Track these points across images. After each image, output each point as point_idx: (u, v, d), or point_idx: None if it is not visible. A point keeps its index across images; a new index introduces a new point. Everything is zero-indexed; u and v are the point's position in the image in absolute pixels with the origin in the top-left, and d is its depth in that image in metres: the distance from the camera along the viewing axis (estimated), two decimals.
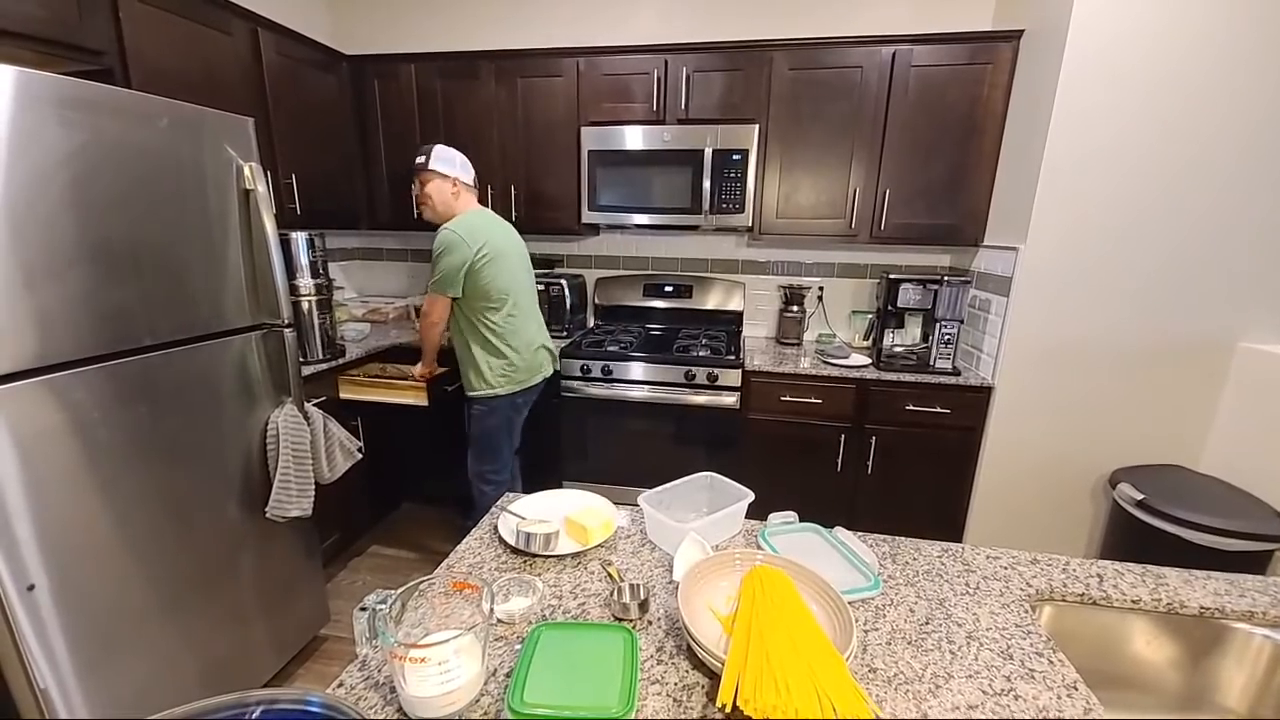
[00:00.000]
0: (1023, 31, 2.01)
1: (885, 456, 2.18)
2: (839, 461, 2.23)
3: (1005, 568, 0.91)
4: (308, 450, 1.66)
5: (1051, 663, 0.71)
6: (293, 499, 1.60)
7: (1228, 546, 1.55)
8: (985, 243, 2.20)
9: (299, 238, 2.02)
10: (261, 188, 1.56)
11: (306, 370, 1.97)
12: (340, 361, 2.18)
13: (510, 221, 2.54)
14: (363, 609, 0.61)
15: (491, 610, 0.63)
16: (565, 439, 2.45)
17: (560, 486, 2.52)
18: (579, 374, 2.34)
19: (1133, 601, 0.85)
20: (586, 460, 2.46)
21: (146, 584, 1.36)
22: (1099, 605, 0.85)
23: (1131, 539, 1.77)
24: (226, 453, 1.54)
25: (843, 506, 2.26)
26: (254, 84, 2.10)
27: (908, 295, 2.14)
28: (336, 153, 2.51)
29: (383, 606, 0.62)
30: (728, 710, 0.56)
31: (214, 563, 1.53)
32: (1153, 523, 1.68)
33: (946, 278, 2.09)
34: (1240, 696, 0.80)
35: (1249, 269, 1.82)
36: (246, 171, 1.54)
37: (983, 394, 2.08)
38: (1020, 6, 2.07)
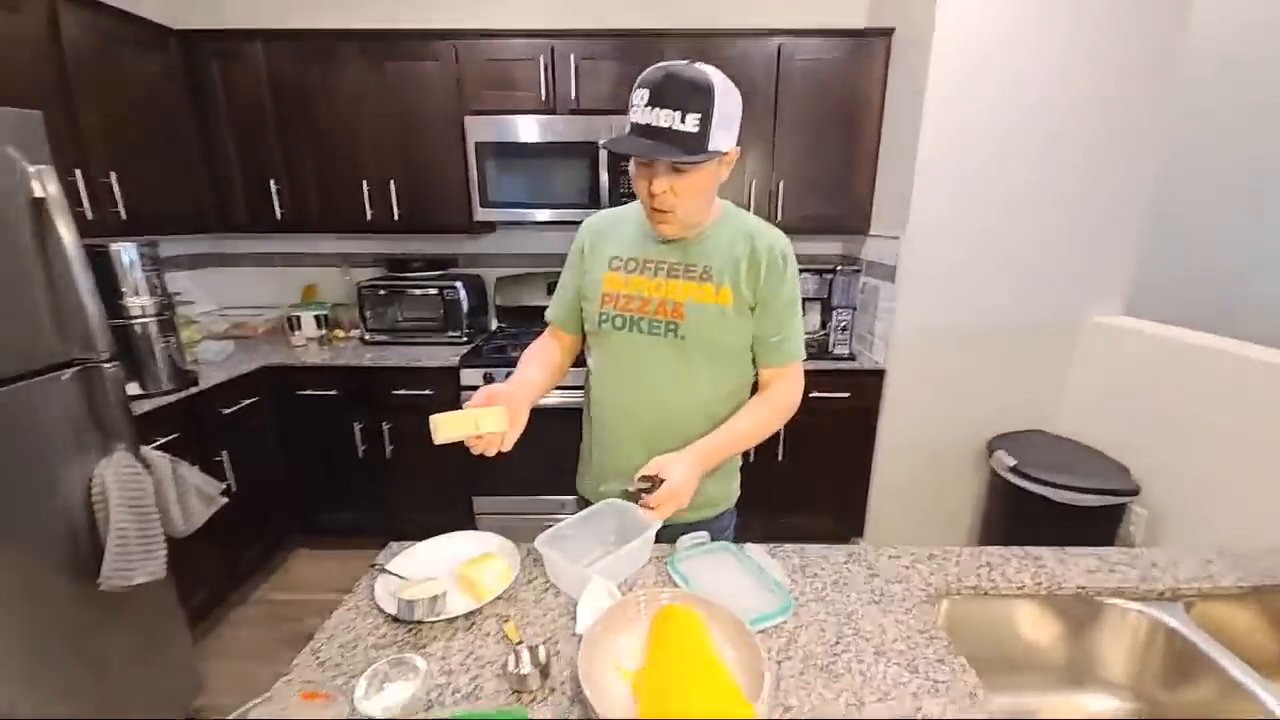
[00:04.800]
0: (893, 30, 2.10)
1: (794, 443, 2.24)
2: (752, 452, 2.25)
3: (906, 567, 0.93)
4: (150, 502, 1.41)
5: (953, 669, 0.72)
6: (134, 562, 1.35)
7: (1089, 503, 1.73)
8: (871, 232, 2.29)
9: (123, 248, 1.70)
10: (55, 192, 1.28)
11: (147, 405, 1.69)
12: (194, 390, 1.88)
13: (391, 222, 2.34)
14: None
15: None
16: (471, 454, 2.30)
17: (469, 504, 2.38)
18: (481, 382, 2.19)
19: (1018, 587, 0.89)
20: (496, 474, 2.30)
21: None
22: (990, 595, 0.88)
23: (1008, 502, 1.94)
24: (44, 520, 1.28)
25: (759, 497, 2.29)
26: (52, 69, 1.73)
27: (805, 285, 2.17)
28: (170, 146, 2.15)
29: None
30: None
31: (58, 642, 1.30)
32: (1026, 486, 1.84)
33: (839, 267, 2.16)
34: (1123, 670, 0.86)
35: (1096, 250, 2.03)
36: (31, 174, 1.26)
37: (876, 376, 2.19)
38: (889, 6, 2.15)
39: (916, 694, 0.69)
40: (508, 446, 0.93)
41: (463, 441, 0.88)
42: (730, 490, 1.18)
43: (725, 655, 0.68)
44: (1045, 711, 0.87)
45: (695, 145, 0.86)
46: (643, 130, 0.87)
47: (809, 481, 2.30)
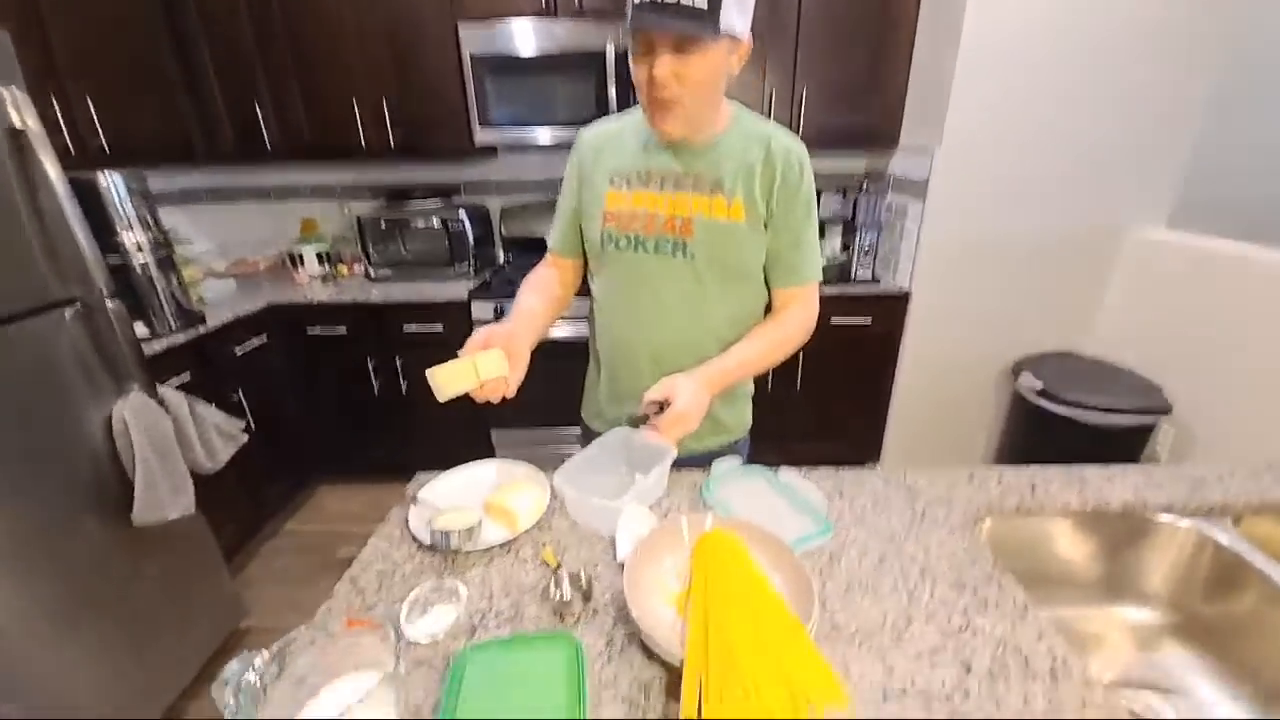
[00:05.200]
0: None
1: (812, 371, 2.20)
2: (769, 380, 2.23)
3: (947, 489, 0.90)
4: (172, 441, 1.41)
5: (1001, 587, 0.71)
6: (164, 499, 1.37)
7: (1117, 423, 1.71)
8: (902, 144, 2.14)
9: (111, 180, 1.61)
10: (32, 120, 1.18)
11: (157, 346, 1.65)
12: (203, 330, 1.84)
13: (386, 148, 2.21)
14: (225, 683, 0.48)
15: (399, 659, 0.51)
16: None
17: (488, 436, 2.39)
18: (492, 317, 2.14)
19: (1063, 506, 0.87)
20: (511, 407, 2.32)
21: (25, 608, 1.18)
22: (1033, 514, 0.86)
23: (1032, 425, 1.92)
24: (72, 455, 1.28)
25: (774, 426, 2.28)
26: None
27: (828, 206, 2.08)
28: (148, 70, 2.00)
29: (251, 675, 0.48)
30: None
31: (95, 578, 1.33)
32: (1051, 409, 1.81)
33: (865, 184, 2.04)
34: (1163, 583, 0.85)
35: (1143, 161, 1.89)
36: (7, 99, 1.16)
37: (901, 300, 2.11)
38: None
39: (965, 611, 0.67)
40: (511, 392, 0.86)
41: (468, 394, 0.82)
42: (744, 418, 1.15)
43: (771, 579, 0.67)
44: (1082, 624, 0.87)
45: (704, 20, 0.75)
46: (647, 7, 0.76)
47: (826, 408, 2.29)
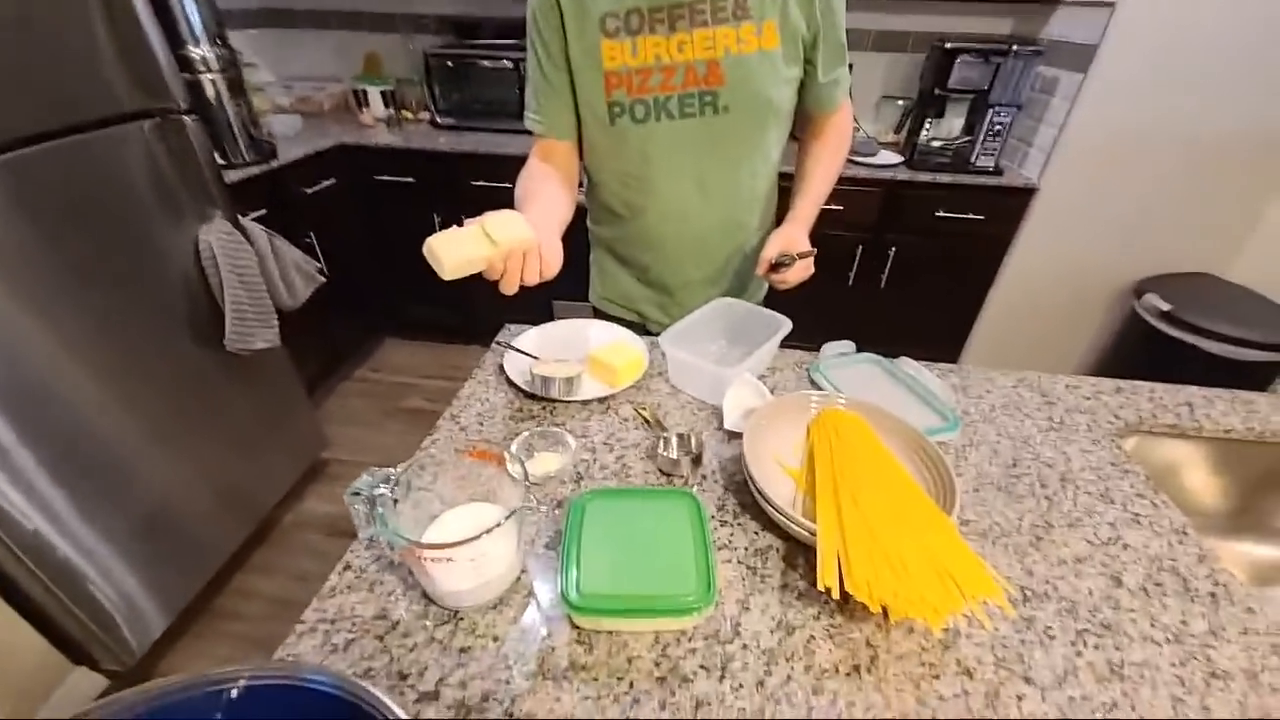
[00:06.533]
0: None
1: (903, 268, 2.03)
2: (851, 275, 2.07)
3: (1088, 398, 0.81)
4: (257, 274, 1.41)
5: (1155, 505, 0.64)
6: (253, 329, 1.40)
7: (1247, 357, 1.52)
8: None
9: None
10: None
11: (232, 175, 1.61)
12: (274, 164, 1.79)
13: None
14: (356, 493, 0.47)
15: (528, 488, 0.49)
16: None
17: (549, 308, 2.36)
18: None
19: (1224, 431, 0.77)
20: (577, 277, 2.26)
21: (123, 420, 1.23)
22: (1188, 436, 0.77)
23: (1145, 352, 1.74)
24: (162, 277, 1.28)
25: (848, 322, 2.16)
26: None
27: (963, 72, 1.76)
28: None
29: (383, 490, 0.47)
30: (833, 595, 0.47)
31: (191, 398, 1.39)
32: (1173, 333, 1.63)
33: (1015, 48, 1.70)
34: None
35: None
36: None
37: (1023, 196, 1.85)
38: None
39: (1114, 524, 0.61)
40: (549, 272, 0.65)
41: (483, 275, 0.62)
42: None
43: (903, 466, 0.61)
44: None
45: None
46: None
47: (907, 309, 2.12)
